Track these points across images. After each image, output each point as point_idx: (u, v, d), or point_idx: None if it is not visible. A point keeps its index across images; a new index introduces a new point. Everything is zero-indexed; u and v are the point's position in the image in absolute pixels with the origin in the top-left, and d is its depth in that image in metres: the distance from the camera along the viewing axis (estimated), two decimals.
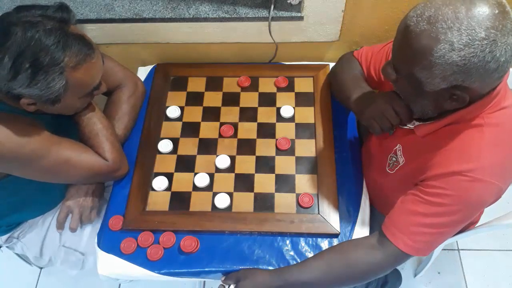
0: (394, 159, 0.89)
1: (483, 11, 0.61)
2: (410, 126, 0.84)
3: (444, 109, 0.73)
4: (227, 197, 0.99)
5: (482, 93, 0.70)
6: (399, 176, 0.88)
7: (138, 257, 0.94)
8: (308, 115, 1.12)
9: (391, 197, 0.96)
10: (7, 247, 1.12)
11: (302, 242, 0.95)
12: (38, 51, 0.75)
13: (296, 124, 1.10)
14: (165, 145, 1.07)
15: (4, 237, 1.08)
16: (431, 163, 0.77)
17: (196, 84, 1.20)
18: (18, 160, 0.84)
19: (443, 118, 0.76)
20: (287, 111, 1.11)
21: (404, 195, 0.82)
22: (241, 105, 1.15)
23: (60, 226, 1.02)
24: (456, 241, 1.53)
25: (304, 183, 1.01)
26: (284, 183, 1.01)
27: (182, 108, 1.15)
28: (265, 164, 1.04)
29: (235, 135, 1.09)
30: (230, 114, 1.13)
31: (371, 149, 1.02)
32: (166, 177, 1.02)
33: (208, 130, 1.11)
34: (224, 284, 0.90)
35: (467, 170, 0.72)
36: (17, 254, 1.19)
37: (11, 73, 0.74)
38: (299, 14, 1.13)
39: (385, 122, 0.85)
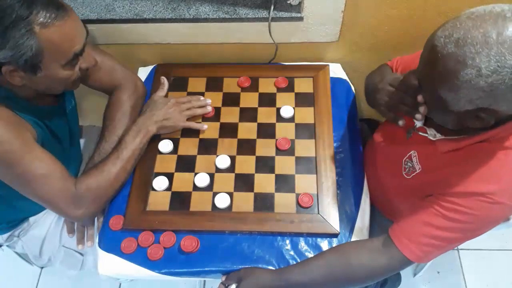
0: (410, 164, 0.88)
1: None
2: (431, 137, 0.82)
3: (466, 126, 0.72)
4: (227, 197, 0.99)
5: (510, 115, 0.68)
6: (415, 184, 0.86)
7: (139, 257, 0.94)
8: (308, 115, 1.12)
9: (396, 201, 0.95)
10: (7, 246, 1.12)
11: (302, 242, 0.95)
12: (3, 9, 0.74)
13: (296, 124, 1.11)
14: (165, 145, 1.08)
15: (5, 235, 1.08)
16: (452, 180, 0.76)
17: (197, 84, 1.20)
18: None
19: (473, 136, 0.74)
20: (287, 111, 1.12)
21: (416, 203, 0.81)
22: (241, 106, 1.15)
23: (70, 230, 1.03)
24: None
25: (304, 183, 1.01)
26: (284, 183, 1.02)
27: None
28: (265, 164, 1.05)
29: (235, 135, 1.10)
30: (230, 114, 1.14)
31: (379, 151, 1.01)
32: (167, 177, 1.03)
33: (208, 130, 1.11)
34: (225, 284, 0.90)
35: (489, 192, 0.71)
36: (17, 254, 1.20)
37: None
38: (299, 15, 1.13)
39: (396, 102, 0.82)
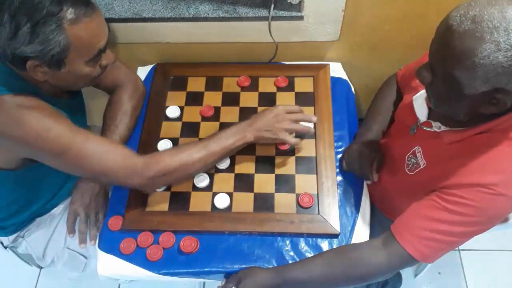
0: (413, 160, 0.87)
1: None
2: (435, 129, 0.81)
3: (478, 113, 0.71)
4: (227, 197, 0.99)
5: None
6: (419, 180, 0.85)
7: (138, 258, 0.93)
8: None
9: (396, 199, 0.95)
10: (12, 247, 1.12)
11: (302, 242, 0.94)
12: (35, 5, 0.74)
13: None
14: (165, 145, 1.07)
15: (12, 237, 1.08)
16: (455, 172, 0.75)
17: (196, 84, 1.20)
18: (40, 146, 0.82)
19: (474, 127, 0.74)
20: (305, 125, 1.08)
21: (418, 199, 0.81)
22: (241, 105, 1.15)
23: (71, 230, 1.03)
24: None
25: (304, 183, 1.01)
26: (284, 183, 1.01)
27: (182, 108, 1.15)
28: (265, 164, 1.04)
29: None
30: (230, 114, 1.13)
31: (384, 148, 1.01)
32: None
33: (208, 130, 1.10)
34: (224, 286, 0.89)
35: (491, 183, 0.71)
36: (17, 254, 1.19)
37: (12, 30, 0.74)
38: (299, 14, 1.12)
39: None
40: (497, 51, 0.60)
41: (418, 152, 0.86)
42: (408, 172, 0.88)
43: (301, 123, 1.01)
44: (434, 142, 0.82)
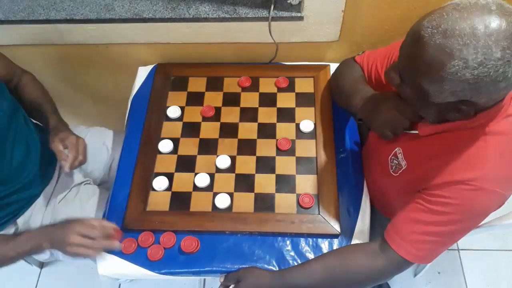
0: (395, 161, 0.88)
1: (501, 29, 0.58)
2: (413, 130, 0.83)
3: (446, 119, 0.73)
4: (228, 197, 0.99)
5: (487, 106, 0.69)
6: (403, 181, 0.86)
7: (139, 257, 0.94)
8: (308, 115, 1.12)
9: (392, 200, 0.95)
10: None
11: (302, 242, 0.95)
12: None
13: (297, 124, 1.10)
14: (165, 145, 1.07)
15: None
16: (434, 172, 0.76)
17: (197, 84, 1.20)
18: None
19: (448, 122, 0.75)
20: (306, 125, 1.09)
21: (407, 201, 0.81)
22: (241, 105, 1.15)
23: (65, 157, 0.98)
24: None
25: (304, 183, 1.01)
26: (285, 183, 1.01)
27: (182, 108, 1.15)
28: (265, 165, 1.04)
29: (235, 135, 1.10)
30: (230, 114, 1.13)
31: (371, 151, 1.02)
32: (167, 177, 1.02)
33: (209, 130, 1.11)
34: (224, 285, 0.90)
35: (470, 179, 0.71)
36: None
37: None
38: (299, 14, 1.13)
39: (397, 128, 0.84)
40: (465, 68, 0.60)
41: (399, 153, 0.87)
42: (393, 174, 0.89)
43: None
44: (414, 143, 0.83)
